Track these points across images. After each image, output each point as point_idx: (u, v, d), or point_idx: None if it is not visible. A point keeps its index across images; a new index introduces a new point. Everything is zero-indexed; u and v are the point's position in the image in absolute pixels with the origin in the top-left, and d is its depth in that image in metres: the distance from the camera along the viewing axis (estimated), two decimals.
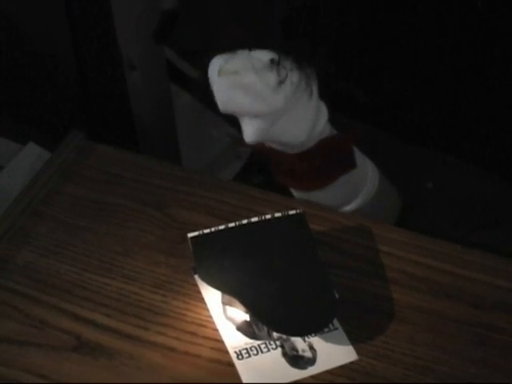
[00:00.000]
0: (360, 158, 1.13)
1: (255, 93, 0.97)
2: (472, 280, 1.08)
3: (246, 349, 1.00)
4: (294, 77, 0.97)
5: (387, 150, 1.19)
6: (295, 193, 1.16)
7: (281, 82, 0.96)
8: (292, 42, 1.01)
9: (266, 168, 1.49)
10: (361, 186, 1.14)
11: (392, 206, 1.23)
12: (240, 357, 1.00)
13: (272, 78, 0.96)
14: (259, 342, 1.01)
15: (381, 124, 1.36)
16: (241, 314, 1.03)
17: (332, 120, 1.09)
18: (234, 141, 1.69)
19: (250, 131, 1.00)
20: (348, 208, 1.15)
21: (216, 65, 0.98)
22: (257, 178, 1.59)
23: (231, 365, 0.99)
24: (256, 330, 1.02)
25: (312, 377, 0.99)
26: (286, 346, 1.01)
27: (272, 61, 0.96)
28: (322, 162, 1.07)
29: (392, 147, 1.23)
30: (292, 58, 0.97)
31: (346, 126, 1.10)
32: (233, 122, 1.06)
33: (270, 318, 1.00)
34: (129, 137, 1.58)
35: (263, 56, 0.97)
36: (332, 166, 1.09)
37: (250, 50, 0.97)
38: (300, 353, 1.01)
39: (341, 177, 1.10)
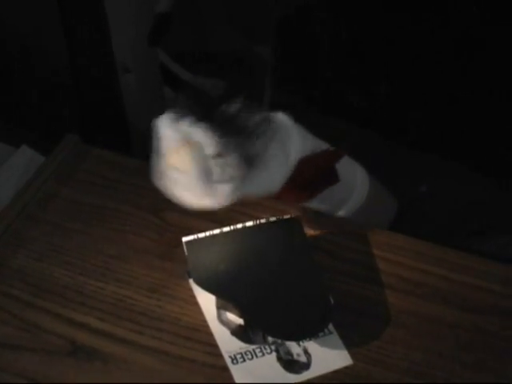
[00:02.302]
0: (348, 166, 1.12)
1: (197, 196, 0.95)
2: (467, 285, 1.08)
3: (241, 353, 1.00)
4: (239, 170, 0.94)
5: (382, 154, 1.19)
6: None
7: (225, 181, 0.94)
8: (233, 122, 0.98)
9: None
10: (348, 195, 1.13)
11: (385, 210, 1.23)
12: (235, 361, 0.99)
13: (217, 178, 0.94)
14: (254, 347, 1.01)
15: (375, 128, 1.36)
16: (235, 319, 1.03)
17: (327, 124, 1.08)
18: None
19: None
20: (338, 215, 1.15)
21: (168, 134, 0.94)
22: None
23: (226, 369, 0.99)
24: (251, 335, 1.02)
25: (307, 381, 0.99)
26: (281, 350, 1.01)
27: (218, 154, 0.92)
28: (302, 181, 1.06)
29: (386, 151, 1.23)
30: (239, 138, 0.95)
31: (339, 132, 1.09)
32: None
33: (265, 322, 1.00)
34: (123, 140, 1.58)
35: (210, 145, 0.93)
36: (314, 182, 1.08)
37: (200, 123, 0.94)
38: (295, 357, 1.01)
39: (324, 191, 1.10)
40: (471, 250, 1.15)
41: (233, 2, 1.45)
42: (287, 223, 1.07)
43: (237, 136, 0.94)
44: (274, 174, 0.99)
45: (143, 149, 1.59)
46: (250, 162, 0.95)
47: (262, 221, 1.06)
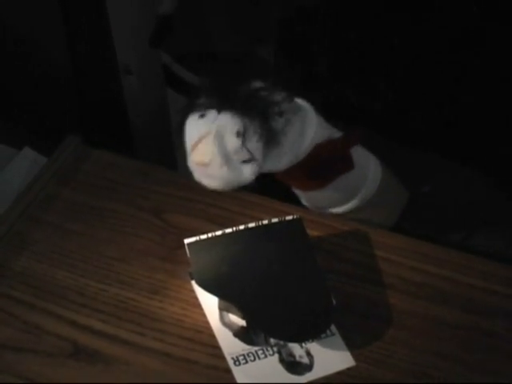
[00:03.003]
0: (361, 155, 1.13)
1: (224, 182, 1.00)
2: (469, 285, 1.08)
3: (243, 355, 1.00)
4: (260, 148, 0.99)
5: (383, 154, 1.18)
6: (296, 192, 1.16)
7: (248, 161, 0.99)
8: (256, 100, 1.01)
9: (262, 173, 1.49)
10: (361, 184, 1.14)
11: (397, 198, 1.23)
12: (237, 363, 0.99)
13: (240, 158, 0.99)
14: (256, 348, 1.01)
15: (376, 128, 1.36)
16: (238, 320, 1.03)
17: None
18: None
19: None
20: (351, 204, 1.15)
21: (188, 131, 1.00)
22: (253, 183, 1.59)
23: (228, 371, 0.99)
24: (253, 336, 1.02)
25: (309, 383, 0.98)
26: (283, 351, 1.01)
27: (238, 134, 0.97)
28: (318, 166, 1.07)
29: (388, 151, 1.23)
30: (259, 118, 0.98)
31: (347, 127, 1.10)
32: None
33: (267, 323, 1.00)
34: (125, 141, 1.58)
35: (230, 129, 0.98)
36: (329, 169, 1.09)
37: (219, 111, 0.98)
38: (297, 359, 1.01)
39: (339, 178, 1.10)
40: (473, 250, 1.15)
41: (234, 4, 1.45)
42: (289, 224, 1.07)
43: (258, 115, 0.98)
44: (285, 154, 1.02)
45: (145, 150, 1.60)
46: (271, 140, 0.99)
47: (264, 222, 1.06)
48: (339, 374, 0.99)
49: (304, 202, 1.17)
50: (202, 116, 0.99)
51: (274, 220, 1.07)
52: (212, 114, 0.98)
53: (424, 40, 1.37)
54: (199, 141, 0.98)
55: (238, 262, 1.03)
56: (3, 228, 1.11)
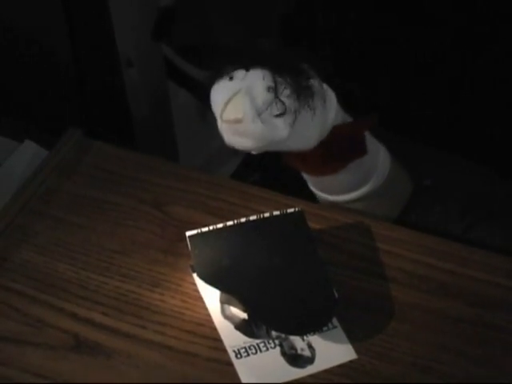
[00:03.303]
0: (372, 143, 1.13)
1: (258, 138, 0.98)
2: (472, 278, 1.08)
3: (245, 348, 1.00)
4: (293, 102, 0.98)
5: (385, 147, 1.18)
6: (307, 177, 1.16)
7: (281, 114, 0.97)
8: (287, 56, 1.01)
9: (264, 165, 1.48)
10: (372, 170, 1.14)
11: (403, 189, 1.23)
12: (239, 356, 0.99)
13: (273, 113, 0.97)
14: (258, 341, 1.01)
15: (379, 121, 1.36)
16: (239, 313, 1.03)
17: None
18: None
19: (253, 148, 1.01)
20: (359, 192, 1.15)
21: (217, 94, 0.99)
22: (255, 175, 1.59)
23: (230, 364, 0.98)
24: (255, 329, 1.02)
25: (311, 376, 0.98)
26: (285, 344, 1.01)
27: (269, 89, 0.96)
28: (334, 149, 1.07)
29: (390, 144, 1.23)
30: (289, 75, 0.98)
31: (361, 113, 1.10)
32: None
33: (269, 316, 1.00)
34: (126, 134, 1.57)
35: (261, 84, 0.97)
36: (343, 153, 1.09)
37: (247, 70, 0.97)
38: (299, 352, 1.00)
39: (352, 163, 1.10)
40: (475, 243, 1.15)
41: None
42: (291, 217, 1.07)
43: (289, 71, 0.97)
44: (311, 129, 1.01)
45: (146, 142, 1.60)
46: (302, 95, 0.98)
47: (266, 214, 1.06)
48: (341, 366, 0.99)
49: (312, 186, 1.17)
50: (230, 78, 0.98)
51: (276, 213, 1.06)
52: (241, 73, 0.97)
53: (426, 34, 1.37)
54: (230, 100, 0.97)
55: (239, 255, 1.03)
56: (4, 220, 1.11)
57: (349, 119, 1.08)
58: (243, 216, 1.06)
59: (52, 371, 0.97)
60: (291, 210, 1.07)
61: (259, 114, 0.96)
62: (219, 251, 1.03)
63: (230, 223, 1.05)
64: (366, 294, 1.06)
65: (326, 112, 1.03)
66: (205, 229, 1.04)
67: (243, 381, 0.97)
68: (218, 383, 0.97)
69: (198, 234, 1.04)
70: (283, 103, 0.96)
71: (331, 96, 1.05)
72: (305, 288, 1.01)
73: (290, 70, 0.98)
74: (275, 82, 0.97)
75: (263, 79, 0.97)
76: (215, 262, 1.02)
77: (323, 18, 1.45)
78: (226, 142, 1.00)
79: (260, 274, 1.01)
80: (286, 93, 0.97)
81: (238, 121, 0.97)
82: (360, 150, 1.10)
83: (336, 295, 1.00)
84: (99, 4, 1.41)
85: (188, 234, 1.04)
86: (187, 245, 1.03)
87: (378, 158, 1.15)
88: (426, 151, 1.34)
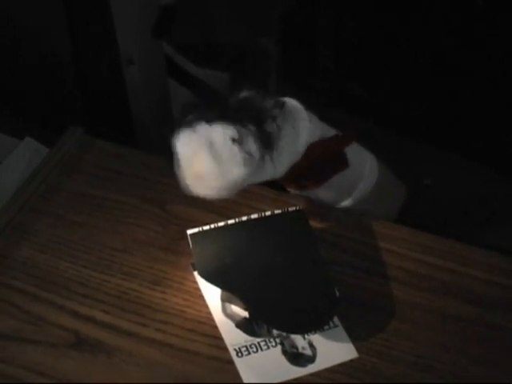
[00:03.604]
0: (357, 153, 1.12)
1: (221, 189, 0.96)
2: (473, 278, 1.08)
3: (246, 346, 1.00)
4: (257, 149, 0.96)
5: (385, 147, 1.18)
6: (291, 190, 1.16)
7: (245, 163, 0.95)
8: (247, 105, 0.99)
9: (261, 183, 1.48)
10: (357, 182, 1.13)
11: (395, 197, 1.22)
12: (239, 354, 0.99)
13: (239, 161, 0.95)
14: (259, 340, 1.01)
15: (379, 120, 1.36)
16: (240, 311, 1.03)
17: (329, 116, 1.08)
18: None
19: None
20: (345, 203, 1.15)
21: (181, 147, 0.97)
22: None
23: (231, 362, 0.98)
24: (256, 328, 1.02)
25: (312, 374, 0.98)
26: (286, 343, 1.01)
27: (233, 140, 0.94)
28: (314, 165, 1.06)
29: (390, 143, 1.23)
30: (251, 123, 0.96)
31: (342, 125, 1.09)
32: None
33: (270, 315, 1.00)
34: (127, 132, 1.57)
35: (223, 135, 0.95)
36: (324, 168, 1.08)
37: (210, 124, 0.96)
38: (300, 350, 1.00)
39: (334, 177, 1.10)
40: (477, 242, 1.15)
41: None
42: (292, 215, 1.07)
43: (251, 120, 0.95)
44: (283, 157, 0.99)
45: (147, 140, 1.59)
46: (266, 142, 0.96)
47: (267, 213, 1.06)
48: (342, 365, 0.99)
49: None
50: (193, 131, 0.96)
51: (277, 211, 1.06)
52: (203, 127, 0.95)
53: (426, 34, 1.37)
54: (194, 154, 0.95)
55: (240, 253, 1.03)
56: (5, 218, 1.10)
57: (330, 131, 1.07)
58: (244, 214, 1.06)
59: (53, 369, 0.97)
60: (292, 208, 1.07)
61: (224, 168, 0.95)
62: (220, 249, 1.03)
63: (231, 221, 1.05)
64: (367, 293, 1.06)
65: (296, 139, 1.00)
66: (206, 227, 1.04)
67: (244, 379, 0.97)
68: (218, 382, 0.97)
69: (199, 232, 1.04)
70: (249, 153, 0.95)
71: (303, 117, 1.02)
72: (306, 287, 1.01)
73: (253, 116, 0.96)
74: (239, 133, 0.94)
75: (227, 131, 0.94)
76: (216, 260, 1.02)
77: (323, 17, 1.45)
78: (192, 192, 0.98)
79: (261, 273, 1.01)
80: (250, 140, 0.95)
81: (201, 177, 0.95)
82: (340, 164, 1.09)
83: (337, 294, 1.01)
84: (100, 2, 1.41)
85: (189, 232, 1.04)
86: (188, 243, 1.03)
87: (365, 166, 1.13)
88: (426, 151, 1.34)
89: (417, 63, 1.40)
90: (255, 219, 1.05)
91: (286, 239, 1.05)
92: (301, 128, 1.01)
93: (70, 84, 1.53)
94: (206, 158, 0.94)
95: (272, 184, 1.18)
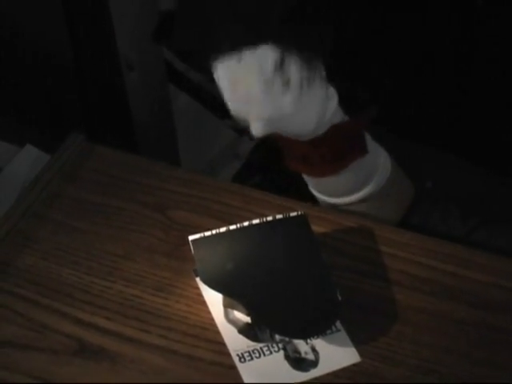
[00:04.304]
0: (372, 144, 1.13)
1: (269, 113, 0.99)
2: (475, 281, 1.08)
3: (249, 351, 1.00)
4: (298, 76, 0.98)
5: (387, 148, 1.18)
6: (308, 179, 1.16)
7: (286, 86, 0.97)
8: (295, 32, 1.01)
9: (264, 167, 1.48)
10: (373, 172, 1.14)
11: (405, 193, 1.23)
12: (242, 359, 0.99)
13: (278, 85, 0.98)
14: (261, 345, 1.01)
15: (380, 121, 1.36)
16: (243, 317, 1.03)
17: None
18: (238, 129, 1.68)
19: (258, 126, 1.01)
20: (360, 194, 1.15)
21: (222, 70, 0.99)
22: (255, 178, 1.58)
23: (233, 368, 0.98)
24: (258, 333, 1.02)
25: (315, 379, 0.98)
26: (289, 348, 1.01)
27: (275, 63, 0.97)
28: (334, 149, 1.07)
29: (391, 145, 1.23)
30: (295, 52, 0.98)
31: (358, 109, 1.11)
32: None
33: (272, 320, 1.00)
34: (127, 138, 1.58)
35: (266, 58, 0.97)
36: (344, 152, 1.09)
37: (254, 46, 0.98)
38: (302, 355, 1.00)
39: (353, 163, 1.10)
40: (478, 245, 1.15)
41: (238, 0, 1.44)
42: (294, 220, 1.06)
43: (296, 48, 0.98)
44: (311, 112, 1.02)
45: (147, 146, 1.60)
46: (308, 68, 0.99)
47: (269, 218, 1.06)
48: (345, 370, 0.99)
49: (313, 188, 1.17)
50: (237, 59, 0.98)
51: (279, 216, 1.06)
52: (248, 51, 0.98)
53: (427, 34, 1.37)
54: (238, 78, 0.98)
55: (242, 259, 1.03)
56: (7, 225, 1.10)
57: (346, 118, 1.09)
58: (246, 220, 1.06)
59: (56, 376, 0.97)
60: (294, 213, 1.07)
61: (267, 89, 0.97)
62: (222, 255, 1.03)
63: (232, 227, 1.05)
64: (370, 297, 1.05)
65: (327, 100, 1.03)
66: (208, 233, 1.04)
67: None
68: None
69: (201, 238, 1.04)
70: (289, 78, 0.97)
71: (332, 89, 1.05)
72: (308, 291, 1.01)
73: (299, 48, 0.99)
74: (282, 56, 0.97)
75: (270, 55, 0.97)
76: (218, 266, 1.02)
77: (323, 17, 1.45)
78: (233, 112, 1.01)
79: (263, 278, 1.01)
80: (293, 65, 0.98)
81: (247, 95, 0.97)
82: (360, 149, 1.10)
83: (339, 298, 1.00)
84: (100, 8, 1.41)
85: (191, 238, 1.04)
86: (190, 249, 1.03)
87: (379, 160, 1.14)
88: (426, 152, 1.34)
89: (417, 64, 1.40)
90: (257, 224, 1.05)
91: (288, 244, 1.05)
92: (330, 96, 1.04)
93: (70, 90, 1.53)
94: (252, 76, 0.97)
95: (273, 188, 1.18)
